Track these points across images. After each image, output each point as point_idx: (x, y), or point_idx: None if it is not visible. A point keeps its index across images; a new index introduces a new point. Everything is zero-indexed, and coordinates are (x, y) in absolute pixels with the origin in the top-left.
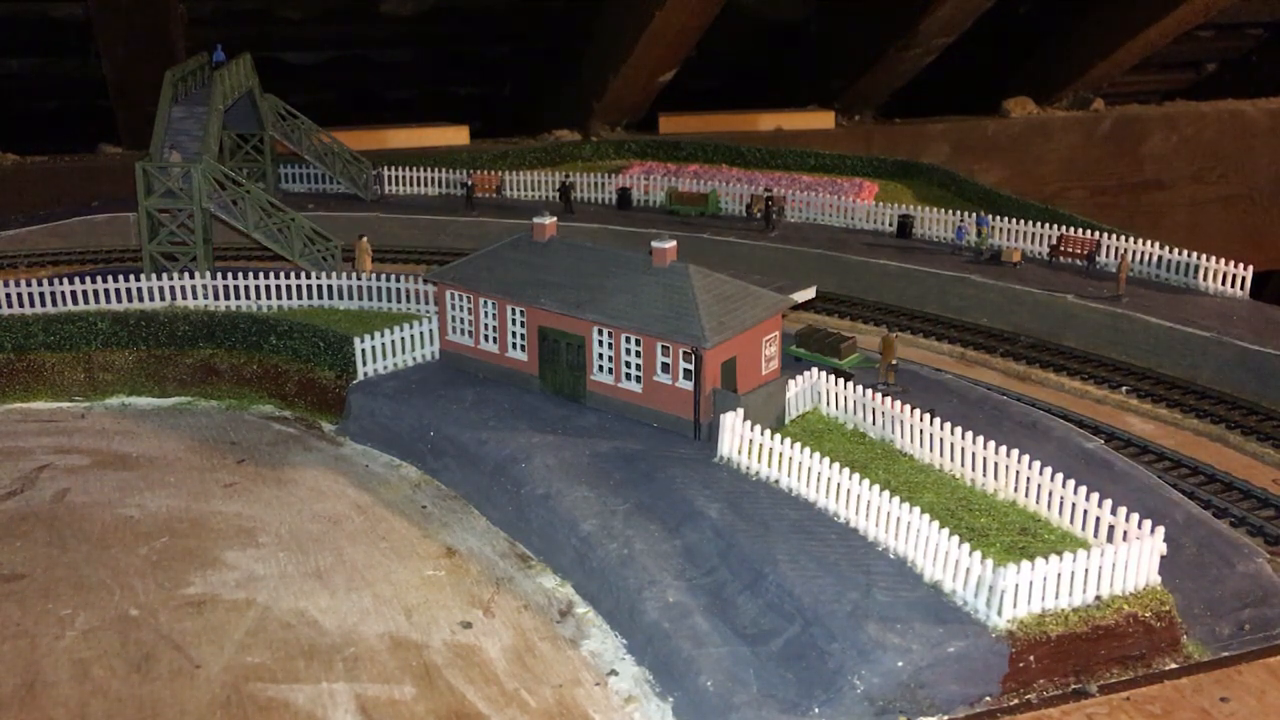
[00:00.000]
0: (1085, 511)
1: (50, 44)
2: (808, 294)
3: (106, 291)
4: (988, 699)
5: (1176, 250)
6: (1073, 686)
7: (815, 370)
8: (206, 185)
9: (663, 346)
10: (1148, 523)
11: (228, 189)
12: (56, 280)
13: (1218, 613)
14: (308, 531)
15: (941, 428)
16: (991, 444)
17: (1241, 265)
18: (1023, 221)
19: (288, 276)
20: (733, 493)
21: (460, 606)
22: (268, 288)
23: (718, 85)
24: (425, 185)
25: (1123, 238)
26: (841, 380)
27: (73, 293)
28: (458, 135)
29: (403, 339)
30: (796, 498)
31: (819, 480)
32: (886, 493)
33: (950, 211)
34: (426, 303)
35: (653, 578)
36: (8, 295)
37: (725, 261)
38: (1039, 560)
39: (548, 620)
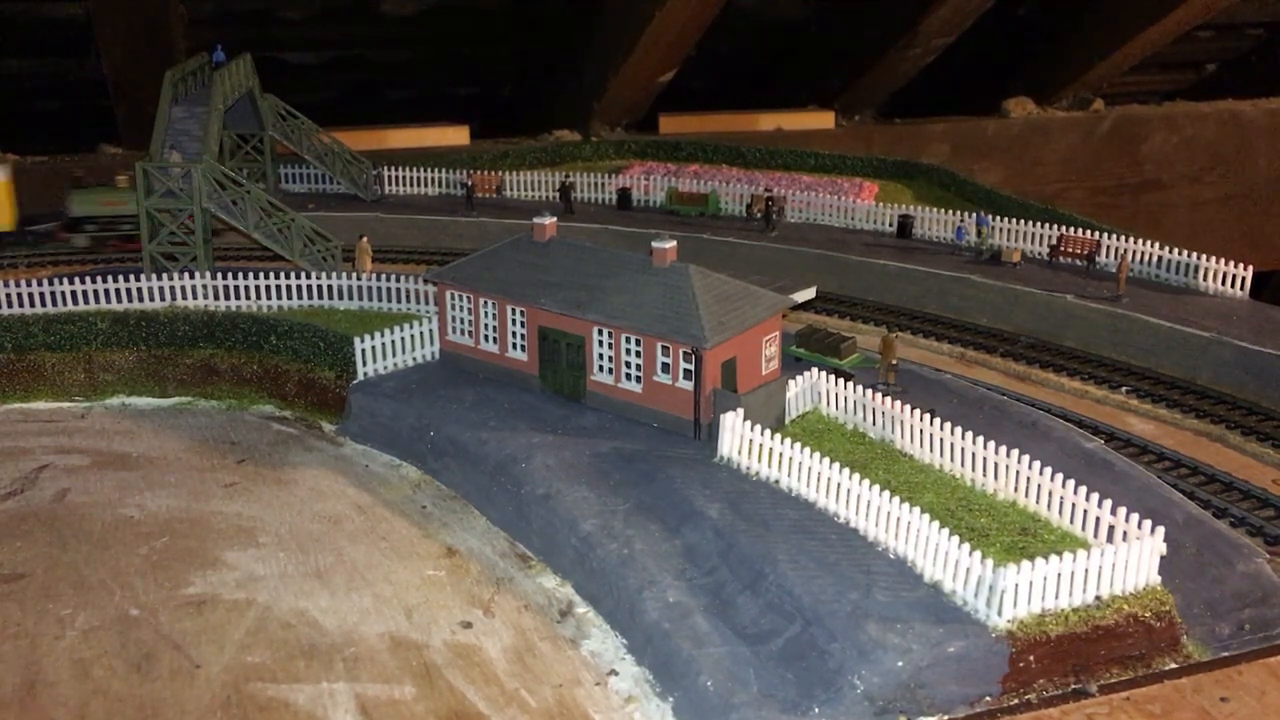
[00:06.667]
0: (1085, 511)
1: (50, 44)
2: (808, 294)
3: (106, 291)
4: (988, 699)
5: (1176, 250)
6: (1073, 686)
7: (815, 370)
8: (206, 185)
9: (663, 346)
10: (1148, 523)
11: (228, 189)
12: (56, 280)
13: (1218, 613)
14: (308, 531)
15: (941, 428)
16: (991, 444)
17: (1241, 265)
18: (1023, 221)
19: (288, 276)
20: (733, 493)
21: (460, 606)
22: (268, 288)
23: (718, 85)
24: (425, 185)
25: (1123, 238)
26: (841, 380)
27: (73, 293)
28: (458, 135)
29: (403, 339)
30: (797, 498)
31: (819, 480)
32: (886, 493)
33: (950, 211)
34: (426, 303)
35: (653, 578)
36: (8, 295)
37: (725, 261)
38: (1039, 560)
39: (548, 620)
